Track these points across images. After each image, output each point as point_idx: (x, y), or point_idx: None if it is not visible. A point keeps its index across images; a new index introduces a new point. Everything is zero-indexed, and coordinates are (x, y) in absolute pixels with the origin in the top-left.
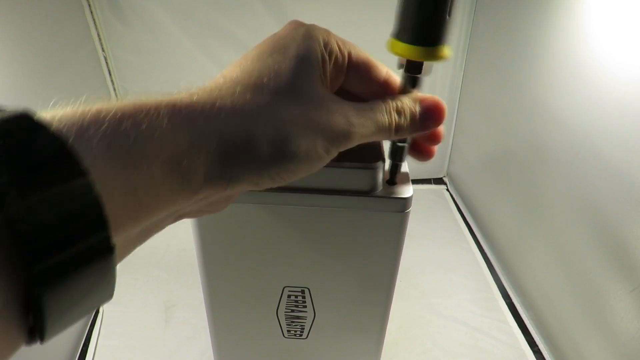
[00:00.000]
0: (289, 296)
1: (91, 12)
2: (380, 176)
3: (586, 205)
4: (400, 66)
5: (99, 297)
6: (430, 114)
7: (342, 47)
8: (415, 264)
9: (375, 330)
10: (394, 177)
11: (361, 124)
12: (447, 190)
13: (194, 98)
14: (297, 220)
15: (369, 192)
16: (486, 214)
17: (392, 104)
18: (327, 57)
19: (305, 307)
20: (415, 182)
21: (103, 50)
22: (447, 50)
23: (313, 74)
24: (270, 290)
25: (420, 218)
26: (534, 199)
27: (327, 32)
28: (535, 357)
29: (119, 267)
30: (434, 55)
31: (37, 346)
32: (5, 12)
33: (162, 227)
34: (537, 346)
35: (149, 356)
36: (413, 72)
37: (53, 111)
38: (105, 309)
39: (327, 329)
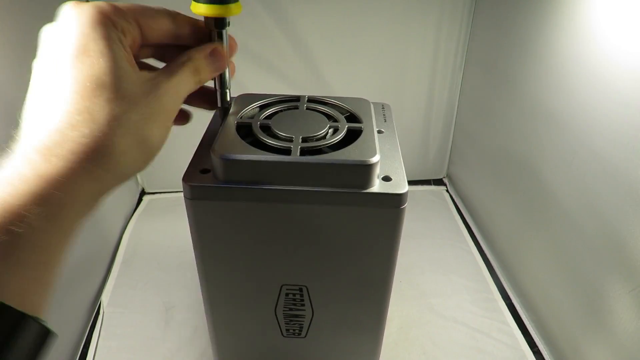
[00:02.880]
0: (287, 294)
1: None
2: (375, 172)
3: (586, 206)
4: (208, 25)
5: None
6: (215, 60)
7: (129, 21)
8: (415, 264)
9: (374, 328)
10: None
11: (176, 90)
12: (447, 191)
13: (48, 152)
14: (293, 217)
15: (363, 188)
16: (486, 215)
17: (187, 59)
18: (123, 38)
19: (303, 305)
20: (415, 182)
21: None
22: (240, 6)
23: (123, 65)
24: (268, 288)
25: (420, 219)
26: (534, 200)
27: (112, 9)
28: (535, 358)
29: (120, 268)
30: (233, 10)
31: None
32: (5, 13)
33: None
34: (536, 347)
35: (149, 357)
36: (220, 27)
37: None
38: (106, 310)
39: (325, 327)
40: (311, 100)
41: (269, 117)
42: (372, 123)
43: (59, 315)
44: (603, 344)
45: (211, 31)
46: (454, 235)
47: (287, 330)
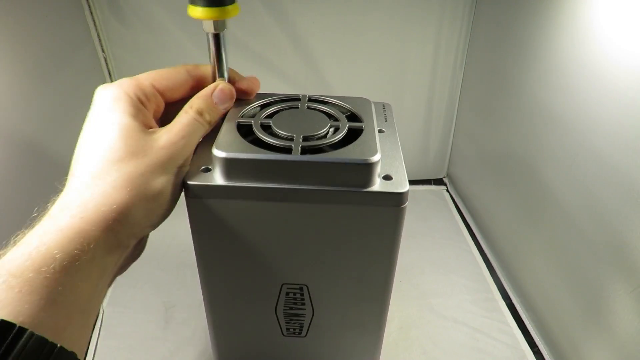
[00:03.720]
0: (287, 294)
1: (91, 13)
2: (376, 171)
3: (586, 206)
4: (208, 29)
5: None
6: (224, 99)
7: (147, 93)
8: (415, 264)
9: (374, 327)
10: None
11: (177, 141)
12: (447, 191)
13: (64, 219)
14: (293, 216)
15: (364, 187)
16: (486, 215)
17: (188, 110)
18: (141, 107)
19: (303, 304)
20: (415, 182)
21: (103, 51)
22: (237, 7)
23: (130, 133)
24: (268, 287)
25: (420, 219)
26: (534, 200)
27: (132, 83)
28: (536, 358)
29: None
30: (229, 13)
31: None
32: (5, 12)
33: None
34: (537, 347)
35: (148, 357)
36: (220, 29)
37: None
38: (106, 309)
39: (326, 326)
40: (312, 99)
41: (270, 116)
42: (373, 122)
43: None
44: (603, 344)
45: (208, 34)
46: (454, 235)
47: (288, 329)
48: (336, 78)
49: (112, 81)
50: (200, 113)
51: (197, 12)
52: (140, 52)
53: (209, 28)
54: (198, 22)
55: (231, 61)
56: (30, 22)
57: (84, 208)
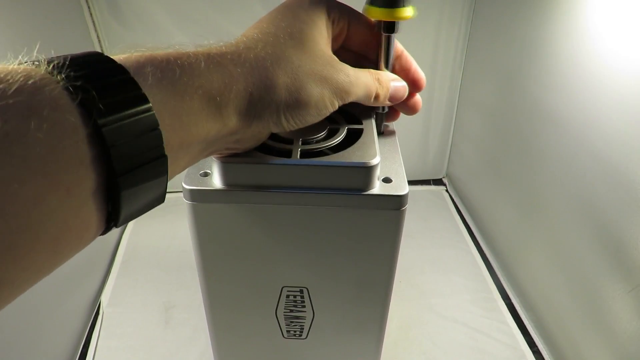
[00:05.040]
0: (287, 296)
1: (90, 14)
2: (375, 174)
3: (585, 206)
4: (378, 28)
5: (155, 196)
6: (397, 92)
7: (342, 15)
8: (414, 264)
9: (375, 329)
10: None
11: (357, 84)
12: (447, 191)
13: (224, 49)
14: (293, 219)
15: (364, 190)
16: (485, 215)
17: (376, 75)
18: (329, 24)
19: (304, 306)
20: (415, 182)
21: (103, 52)
22: (412, 10)
23: (320, 36)
24: (269, 290)
25: (419, 219)
26: (533, 200)
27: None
28: (535, 358)
29: (120, 268)
30: (404, 15)
31: (37, 347)
32: (4, 13)
33: (197, 160)
34: (536, 346)
35: (148, 357)
36: (389, 31)
37: (115, 55)
38: (105, 309)
39: (326, 328)
40: None
41: None
42: (372, 124)
43: (58, 314)
44: (603, 343)
45: (381, 35)
46: (454, 235)
47: (288, 331)
48: None
49: None
50: (381, 83)
51: (372, 12)
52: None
53: (381, 29)
54: (198, 23)
55: None
56: (29, 23)
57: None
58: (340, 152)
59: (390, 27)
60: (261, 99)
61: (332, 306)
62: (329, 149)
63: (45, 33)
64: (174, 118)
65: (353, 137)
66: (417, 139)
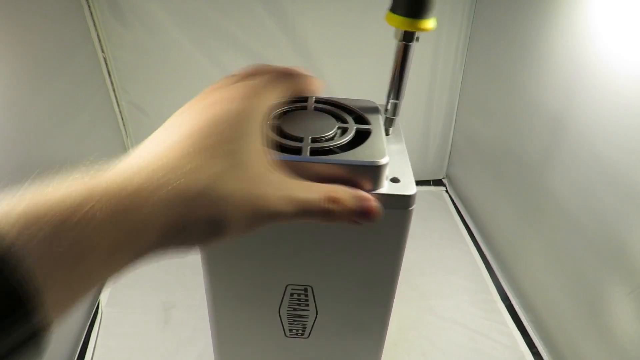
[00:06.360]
0: (291, 294)
1: (91, 13)
2: (384, 173)
3: (585, 207)
4: (396, 36)
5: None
6: (366, 215)
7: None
8: (414, 265)
9: (377, 329)
10: (389, 130)
11: (294, 207)
12: (447, 191)
13: (133, 185)
14: None
15: (372, 189)
16: (485, 216)
17: (329, 192)
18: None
19: (307, 305)
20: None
21: (103, 52)
22: (434, 22)
23: (256, 150)
24: (273, 288)
25: (419, 219)
26: (533, 201)
27: (262, 98)
28: (534, 359)
29: None
30: (424, 26)
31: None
32: (5, 13)
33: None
34: (535, 348)
35: (147, 357)
36: (407, 40)
37: None
38: (104, 309)
39: (328, 327)
40: (319, 100)
41: (277, 116)
42: (380, 125)
43: None
44: (602, 345)
45: (399, 42)
46: (454, 235)
47: (290, 330)
48: (335, 77)
49: (111, 82)
50: (336, 202)
51: (395, 20)
52: (139, 53)
53: (401, 37)
54: (197, 23)
55: (231, 61)
56: (30, 22)
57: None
58: (349, 150)
59: (409, 36)
60: (175, 238)
61: (336, 305)
62: (338, 147)
63: (46, 32)
64: (65, 287)
65: (362, 136)
66: (417, 139)
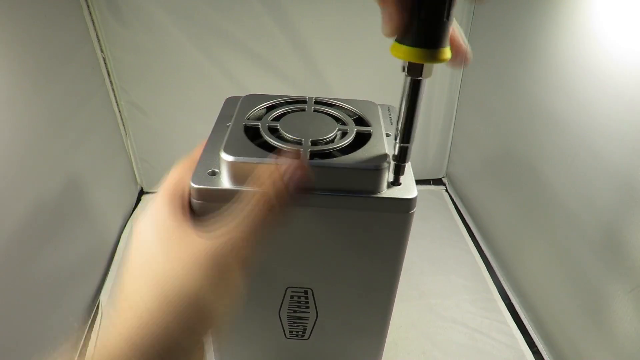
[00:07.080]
0: (291, 297)
1: (90, 13)
2: (385, 177)
3: (585, 206)
4: (403, 69)
5: None
6: (292, 177)
7: None
8: (414, 264)
9: (377, 331)
10: (398, 178)
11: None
12: (446, 190)
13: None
14: (300, 221)
15: (373, 193)
16: (485, 215)
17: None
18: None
19: (307, 307)
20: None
21: (102, 51)
22: (447, 52)
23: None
24: (273, 290)
25: (419, 219)
26: (533, 200)
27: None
28: (535, 358)
29: (118, 267)
30: (434, 57)
31: (36, 346)
32: (4, 13)
33: None
34: (536, 347)
35: None
36: (413, 74)
37: None
38: (105, 309)
39: (329, 329)
40: (318, 102)
41: (277, 119)
42: (380, 127)
43: (58, 314)
44: (602, 343)
45: (407, 78)
46: (453, 235)
47: (290, 332)
48: (335, 78)
49: (111, 82)
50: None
51: (399, 51)
52: (139, 53)
53: (408, 71)
54: (197, 22)
55: (231, 61)
56: (29, 22)
57: None
58: (350, 154)
59: (416, 69)
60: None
61: (336, 307)
62: (337, 150)
63: (45, 32)
64: None
65: (362, 138)
66: (417, 138)
